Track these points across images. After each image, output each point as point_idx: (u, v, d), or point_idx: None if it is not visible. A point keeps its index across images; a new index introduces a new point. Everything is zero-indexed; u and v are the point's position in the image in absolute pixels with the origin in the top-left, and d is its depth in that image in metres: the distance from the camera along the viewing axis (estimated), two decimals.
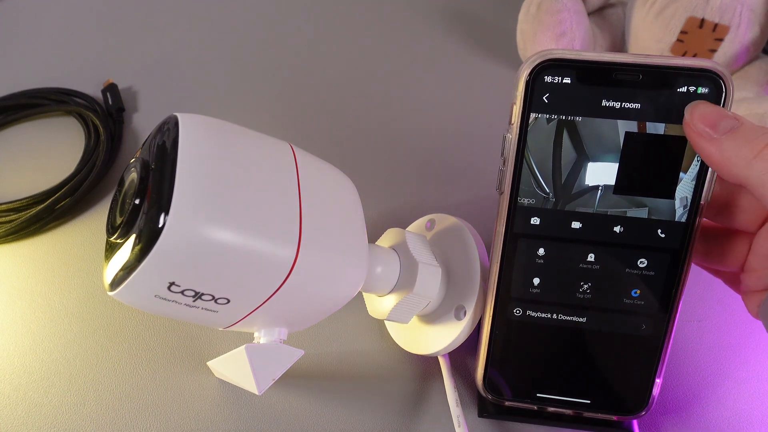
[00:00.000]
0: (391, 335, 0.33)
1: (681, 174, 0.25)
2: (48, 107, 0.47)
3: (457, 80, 0.49)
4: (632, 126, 0.25)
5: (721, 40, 0.42)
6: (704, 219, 0.26)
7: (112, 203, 0.24)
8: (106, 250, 0.24)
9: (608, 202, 0.26)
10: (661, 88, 0.24)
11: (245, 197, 0.22)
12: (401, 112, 0.47)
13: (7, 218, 0.39)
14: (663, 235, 0.26)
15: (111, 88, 0.48)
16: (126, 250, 0.22)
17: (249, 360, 0.26)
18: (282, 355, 0.27)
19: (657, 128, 0.24)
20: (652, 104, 0.24)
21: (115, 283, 0.22)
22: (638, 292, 0.27)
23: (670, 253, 0.26)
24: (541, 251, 0.27)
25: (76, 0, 0.59)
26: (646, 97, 0.24)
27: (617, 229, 0.26)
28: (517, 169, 0.26)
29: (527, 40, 0.47)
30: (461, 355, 0.32)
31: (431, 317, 0.31)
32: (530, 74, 0.24)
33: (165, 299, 0.23)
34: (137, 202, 0.22)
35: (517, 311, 0.28)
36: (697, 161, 0.25)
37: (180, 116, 0.23)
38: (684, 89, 0.24)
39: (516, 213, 0.26)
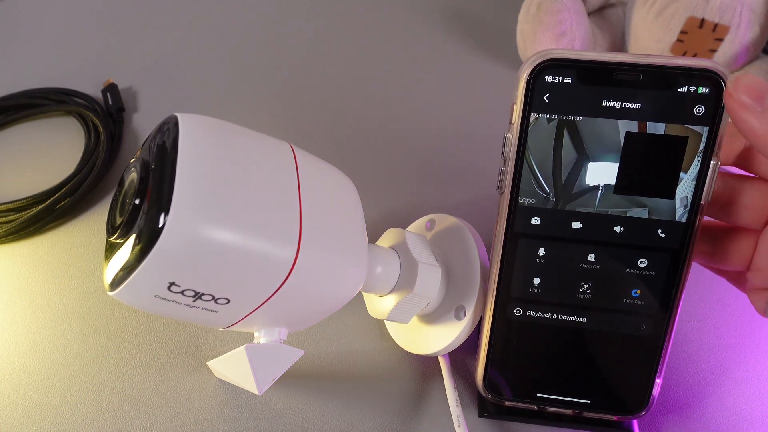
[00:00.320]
0: (391, 335, 0.33)
1: (681, 174, 0.25)
2: (48, 107, 0.47)
3: (457, 80, 0.49)
4: (633, 126, 0.25)
5: (721, 40, 0.42)
6: (708, 218, 0.26)
7: (112, 203, 0.24)
8: (106, 250, 0.24)
9: (608, 202, 0.26)
10: (662, 88, 0.24)
11: (245, 197, 0.22)
12: (401, 112, 0.47)
13: (7, 218, 0.39)
14: (663, 235, 0.26)
15: (111, 88, 0.48)
16: (126, 250, 0.22)
17: (249, 360, 0.26)
18: (282, 355, 0.27)
19: (657, 128, 0.24)
20: (652, 104, 0.24)
21: (115, 283, 0.22)
22: (638, 292, 0.27)
23: (671, 253, 0.26)
24: (542, 251, 0.27)
25: (76, 0, 0.59)
26: (647, 97, 0.24)
27: (617, 229, 0.26)
28: (517, 169, 0.26)
29: (527, 40, 0.47)
30: (461, 355, 0.32)
31: (431, 317, 0.31)
32: (531, 74, 0.24)
33: (165, 299, 0.23)
34: (137, 202, 0.22)
35: (518, 311, 0.28)
36: (698, 161, 0.25)
37: (180, 116, 0.23)
38: (684, 89, 0.24)
39: (516, 213, 0.26)
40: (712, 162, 0.24)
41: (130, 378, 0.32)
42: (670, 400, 0.31)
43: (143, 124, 0.47)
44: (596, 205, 0.26)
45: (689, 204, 0.25)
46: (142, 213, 0.22)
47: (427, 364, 0.33)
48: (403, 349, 0.32)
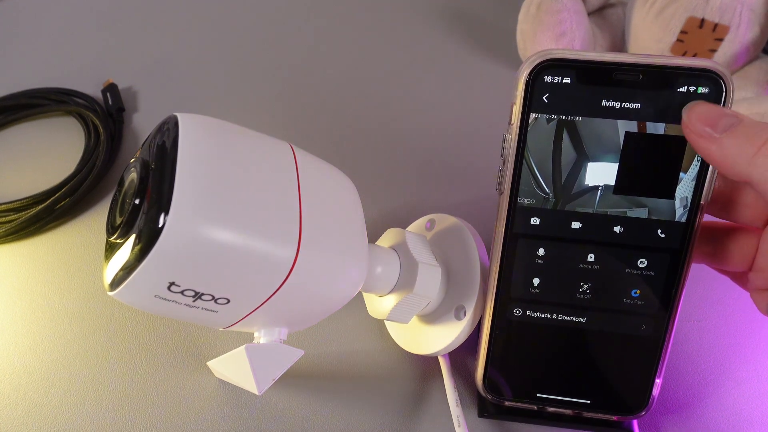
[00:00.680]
0: (391, 335, 0.33)
1: (681, 174, 0.25)
2: (48, 107, 0.47)
3: (457, 80, 0.49)
4: (632, 126, 0.25)
5: (721, 40, 0.42)
6: (711, 219, 0.26)
7: (112, 203, 0.24)
8: (106, 250, 0.24)
9: (608, 202, 0.26)
10: (662, 88, 0.24)
11: (245, 197, 0.22)
12: (401, 112, 0.47)
13: (7, 218, 0.39)
14: (663, 235, 0.26)
15: (111, 88, 0.48)
16: (126, 250, 0.22)
17: (249, 360, 0.26)
18: (282, 355, 0.27)
19: (657, 128, 0.24)
20: (652, 104, 0.24)
21: (115, 283, 0.22)
22: (638, 292, 0.27)
23: (670, 253, 0.26)
24: (541, 251, 0.27)
25: (76, 0, 0.59)
26: (646, 97, 0.24)
27: (617, 229, 0.26)
28: (517, 169, 0.26)
29: (527, 40, 0.47)
30: (461, 355, 0.32)
31: (431, 317, 0.31)
32: (530, 74, 0.24)
33: (165, 299, 0.23)
34: (137, 202, 0.22)
35: (517, 311, 0.28)
36: (697, 161, 0.25)
37: (180, 116, 0.23)
38: (684, 89, 0.24)
39: (516, 213, 0.26)
40: None
41: (130, 378, 0.32)
42: (670, 400, 0.31)
43: (143, 124, 0.47)
44: (596, 205, 0.26)
45: (689, 204, 0.25)
46: (142, 213, 0.22)
47: (427, 364, 0.33)
48: (403, 349, 0.32)
